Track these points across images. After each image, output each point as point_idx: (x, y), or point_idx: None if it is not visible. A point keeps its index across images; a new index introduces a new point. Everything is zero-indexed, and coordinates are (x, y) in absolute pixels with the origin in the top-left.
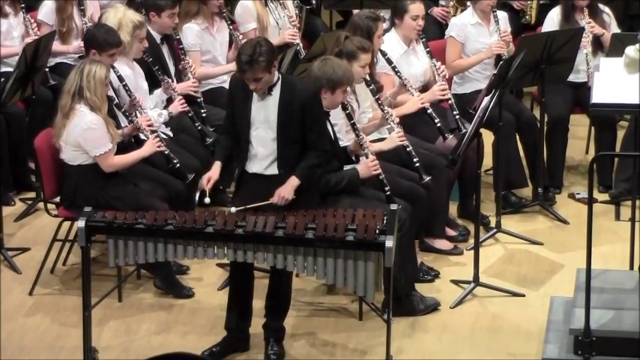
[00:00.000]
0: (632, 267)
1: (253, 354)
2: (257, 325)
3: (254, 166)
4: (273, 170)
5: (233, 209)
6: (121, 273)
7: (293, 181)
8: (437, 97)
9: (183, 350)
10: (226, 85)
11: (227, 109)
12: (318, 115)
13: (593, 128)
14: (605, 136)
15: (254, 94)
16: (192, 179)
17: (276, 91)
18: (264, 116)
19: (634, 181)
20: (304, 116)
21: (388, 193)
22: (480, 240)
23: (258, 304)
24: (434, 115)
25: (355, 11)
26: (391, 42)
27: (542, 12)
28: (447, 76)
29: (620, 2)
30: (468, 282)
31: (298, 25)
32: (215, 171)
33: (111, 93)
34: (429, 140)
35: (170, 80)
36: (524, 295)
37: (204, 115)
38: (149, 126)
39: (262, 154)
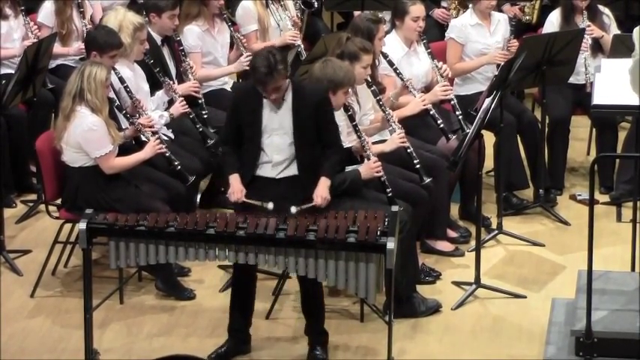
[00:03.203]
0: (633, 268)
1: (255, 356)
2: (258, 327)
3: (265, 172)
4: (287, 173)
5: (293, 209)
6: (122, 275)
7: (326, 182)
8: (439, 97)
9: (185, 352)
10: (227, 87)
11: (229, 119)
12: (331, 113)
13: (594, 129)
14: (607, 137)
15: (264, 102)
16: (193, 181)
17: (289, 97)
18: (278, 123)
19: (635, 182)
20: (318, 118)
21: (390, 194)
22: (482, 241)
23: (259, 306)
24: (437, 116)
25: (356, 13)
26: (392, 43)
27: (544, 13)
28: (449, 75)
29: (620, 3)
30: (470, 283)
31: (300, 25)
32: (239, 184)
33: (112, 95)
34: (431, 142)
35: (171, 82)
36: (525, 297)
37: (205, 116)
38: (150, 127)
39: (277, 160)
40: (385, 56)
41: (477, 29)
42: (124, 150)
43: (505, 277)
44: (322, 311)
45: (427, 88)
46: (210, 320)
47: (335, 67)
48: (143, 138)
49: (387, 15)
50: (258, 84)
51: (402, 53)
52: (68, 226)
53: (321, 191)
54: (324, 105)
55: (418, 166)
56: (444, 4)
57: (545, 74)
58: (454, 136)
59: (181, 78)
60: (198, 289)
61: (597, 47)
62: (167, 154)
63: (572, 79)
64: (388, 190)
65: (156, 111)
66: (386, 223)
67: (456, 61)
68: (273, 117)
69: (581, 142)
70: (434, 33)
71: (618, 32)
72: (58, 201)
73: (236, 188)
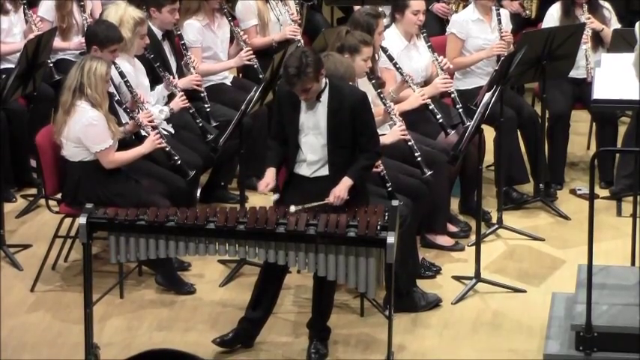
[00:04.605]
0: (633, 263)
1: (255, 350)
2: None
3: (302, 170)
4: (321, 173)
5: (292, 208)
6: (122, 269)
7: (347, 182)
8: (439, 90)
9: (185, 347)
10: (227, 82)
11: (275, 116)
12: (368, 118)
13: (594, 124)
14: (607, 131)
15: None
16: (193, 176)
17: (325, 97)
18: (313, 123)
19: (635, 177)
20: (354, 121)
21: (390, 189)
22: (482, 236)
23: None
24: (436, 110)
25: (356, 7)
26: (392, 37)
27: (543, 7)
28: (449, 68)
29: None
30: (470, 278)
31: (299, 21)
32: (270, 177)
33: (112, 89)
34: (430, 136)
35: (171, 77)
36: (525, 291)
37: (208, 110)
38: (150, 122)
39: (311, 159)
40: (385, 51)
41: (478, 25)
42: (124, 145)
43: (505, 272)
44: (330, 308)
45: (427, 83)
46: (210, 315)
47: (336, 62)
48: (143, 133)
49: (386, 9)
50: (287, 83)
51: (401, 47)
52: (68, 220)
53: (339, 190)
54: (361, 108)
55: (419, 158)
56: None
57: (546, 69)
58: (453, 131)
59: (182, 72)
60: (198, 284)
61: (598, 41)
62: (167, 149)
63: (572, 74)
64: (388, 184)
65: (156, 105)
66: (386, 218)
67: (455, 55)
68: (309, 116)
69: (581, 136)
70: (434, 27)
71: (619, 26)
72: (58, 195)
73: (263, 181)
